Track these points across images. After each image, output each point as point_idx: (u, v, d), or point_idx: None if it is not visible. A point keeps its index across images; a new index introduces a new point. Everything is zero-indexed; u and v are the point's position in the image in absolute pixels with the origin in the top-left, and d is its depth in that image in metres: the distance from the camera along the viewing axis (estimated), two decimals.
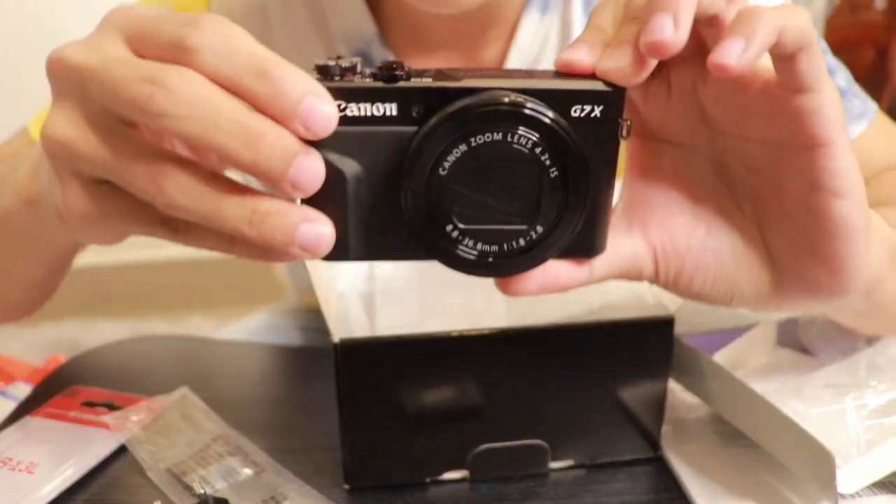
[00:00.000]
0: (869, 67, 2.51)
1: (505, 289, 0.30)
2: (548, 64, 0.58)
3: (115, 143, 0.27)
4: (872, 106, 0.59)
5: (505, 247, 0.28)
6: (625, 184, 0.33)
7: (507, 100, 0.26)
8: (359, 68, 0.27)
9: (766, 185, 0.31)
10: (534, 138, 0.27)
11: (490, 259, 0.29)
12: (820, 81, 0.27)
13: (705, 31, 0.29)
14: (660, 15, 0.25)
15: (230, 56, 0.25)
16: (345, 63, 0.26)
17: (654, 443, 0.46)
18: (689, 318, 0.47)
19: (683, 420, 0.49)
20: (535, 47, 0.57)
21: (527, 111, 0.26)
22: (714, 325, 0.53)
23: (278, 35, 0.58)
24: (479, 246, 0.28)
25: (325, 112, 0.25)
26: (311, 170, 0.25)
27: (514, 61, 0.57)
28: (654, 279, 0.33)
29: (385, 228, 0.28)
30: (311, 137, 0.25)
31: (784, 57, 0.27)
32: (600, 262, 0.31)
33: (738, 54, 0.25)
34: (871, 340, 0.50)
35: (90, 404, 0.50)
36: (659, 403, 0.45)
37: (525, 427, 0.44)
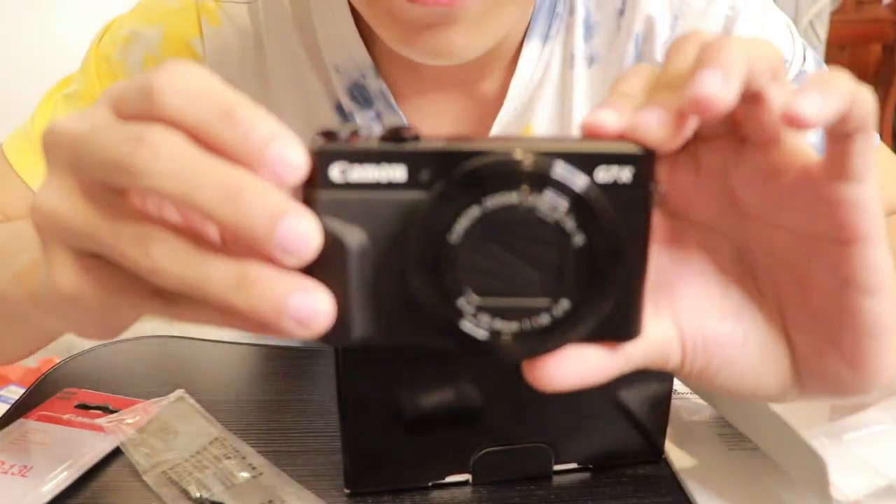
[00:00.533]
0: (875, 64, 2.52)
1: (535, 380, 0.27)
2: (549, 92, 0.58)
3: (103, 211, 0.26)
4: (875, 137, 0.58)
5: (525, 324, 0.25)
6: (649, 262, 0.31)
7: (525, 158, 0.24)
8: (365, 133, 0.25)
9: (794, 279, 0.29)
10: (556, 201, 0.24)
11: (508, 338, 0.25)
12: (867, 171, 0.26)
13: (744, 109, 0.27)
14: (709, 69, 0.23)
15: (193, 96, 0.24)
16: (351, 127, 0.25)
17: (657, 446, 0.46)
18: None
19: (687, 423, 0.49)
20: (536, 76, 0.57)
21: (548, 171, 0.24)
22: None
23: (274, 68, 0.58)
24: (495, 323, 0.25)
25: (291, 159, 0.23)
26: (302, 231, 0.23)
27: (515, 90, 0.57)
28: (680, 369, 0.30)
29: (392, 306, 0.25)
30: (280, 186, 0.23)
31: (843, 136, 0.25)
32: (634, 348, 0.28)
33: (817, 107, 0.23)
34: None
35: (84, 407, 0.50)
36: (663, 406, 0.44)
37: (528, 430, 0.43)
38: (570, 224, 0.24)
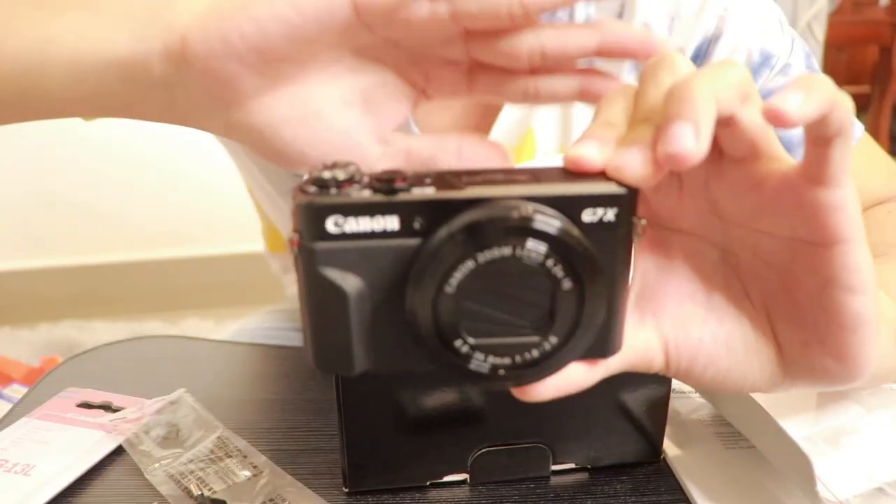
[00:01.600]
0: (872, 65, 2.52)
1: (520, 395, 0.29)
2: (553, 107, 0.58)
3: None
4: (859, 128, 0.58)
5: (517, 359, 0.27)
6: (634, 274, 0.32)
7: (514, 214, 0.25)
8: (356, 177, 0.25)
9: (778, 278, 0.30)
10: (544, 251, 0.25)
11: (502, 371, 0.27)
12: (846, 176, 0.27)
13: (719, 131, 0.28)
14: (679, 124, 0.24)
15: None
16: (341, 175, 0.25)
17: (656, 446, 0.46)
18: None
19: (686, 422, 0.49)
20: None
21: (536, 225, 0.25)
22: None
23: None
24: (489, 359, 0.27)
25: None
26: None
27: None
28: (665, 371, 0.32)
29: (391, 342, 0.27)
30: None
31: (823, 140, 0.26)
32: (614, 358, 0.30)
33: (797, 105, 0.24)
34: None
35: (87, 406, 0.50)
36: (661, 406, 0.45)
37: (526, 430, 0.44)
38: (558, 271, 0.26)
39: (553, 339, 0.27)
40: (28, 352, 1.63)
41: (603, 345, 0.28)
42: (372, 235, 0.25)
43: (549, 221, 0.25)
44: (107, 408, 0.50)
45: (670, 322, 0.31)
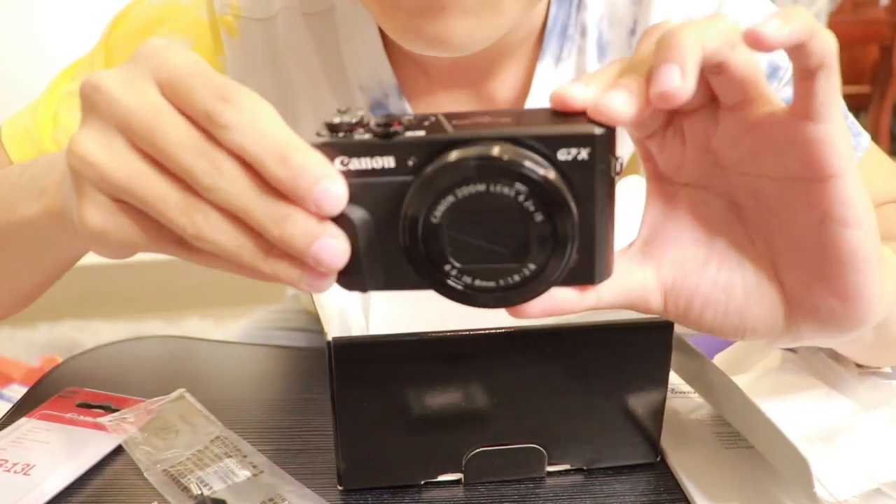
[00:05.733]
0: (872, 65, 2.52)
1: (512, 312, 0.31)
2: None
3: (149, 174, 0.29)
4: (866, 138, 0.61)
5: (500, 282, 0.30)
6: (643, 223, 0.35)
7: (490, 153, 0.28)
8: (365, 119, 0.29)
9: (778, 220, 0.32)
10: (514, 188, 0.28)
11: (485, 293, 0.30)
12: (832, 111, 0.28)
13: (713, 80, 0.30)
14: (666, 66, 0.27)
15: (258, 139, 0.27)
16: (352, 118, 0.29)
17: (653, 446, 0.46)
18: None
19: (684, 422, 0.49)
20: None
21: (503, 164, 0.28)
22: None
23: (295, 83, 0.58)
24: (476, 282, 0.30)
25: (335, 193, 0.27)
26: (332, 249, 0.28)
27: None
28: (664, 311, 0.34)
29: (395, 263, 0.30)
30: (322, 215, 0.28)
31: (807, 73, 0.28)
32: (607, 289, 0.32)
33: (774, 28, 0.26)
34: None
35: (87, 406, 0.50)
36: (658, 407, 0.44)
37: (521, 430, 0.44)
38: (529, 205, 0.29)
39: (531, 266, 0.30)
40: (28, 352, 1.63)
41: (588, 271, 0.31)
42: (373, 172, 0.29)
43: (517, 161, 0.28)
44: (106, 408, 0.50)
45: (670, 264, 0.33)
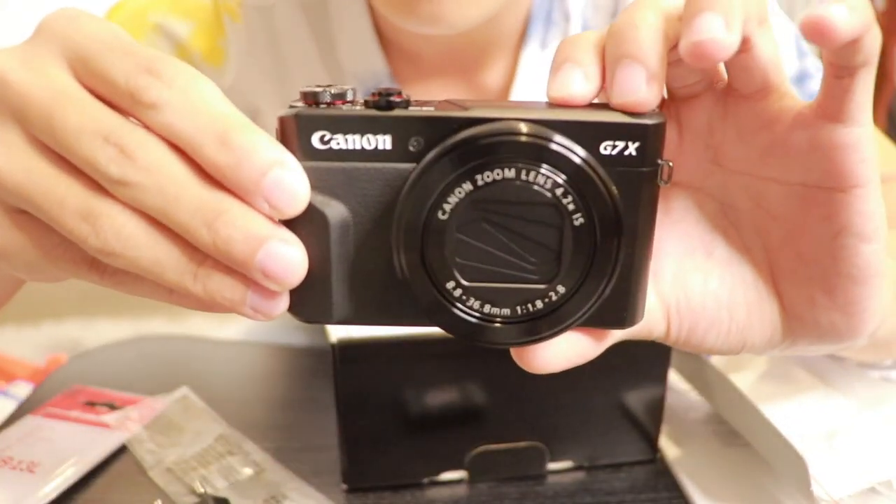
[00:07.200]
0: None
1: (524, 362, 0.25)
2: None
3: (45, 173, 0.23)
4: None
5: (518, 310, 0.23)
6: None
7: (525, 130, 0.21)
8: (350, 96, 0.23)
9: (783, 230, 0.28)
10: (556, 178, 0.22)
11: (498, 323, 0.23)
12: (865, 114, 0.24)
13: (732, 60, 0.25)
14: (709, 13, 0.21)
15: (191, 117, 0.21)
16: (335, 90, 0.22)
17: (652, 444, 0.46)
18: None
19: (682, 420, 0.49)
20: (539, 83, 0.58)
21: (550, 145, 0.21)
22: None
23: (293, 71, 0.58)
24: (485, 308, 0.23)
25: (291, 185, 0.21)
26: (285, 258, 0.21)
27: (517, 94, 0.57)
28: (665, 338, 0.29)
29: (375, 285, 0.23)
30: (276, 216, 0.22)
31: (848, 70, 0.23)
32: None
33: (844, 17, 0.21)
34: None
35: (91, 404, 0.50)
36: (657, 405, 0.45)
37: (523, 428, 0.44)
38: (569, 202, 0.22)
39: (559, 289, 0.23)
40: (33, 350, 1.63)
41: (622, 311, 0.24)
42: (362, 155, 0.22)
43: (566, 144, 0.22)
44: (111, 406, 0.50)
45: (670, 282, 0.29)
